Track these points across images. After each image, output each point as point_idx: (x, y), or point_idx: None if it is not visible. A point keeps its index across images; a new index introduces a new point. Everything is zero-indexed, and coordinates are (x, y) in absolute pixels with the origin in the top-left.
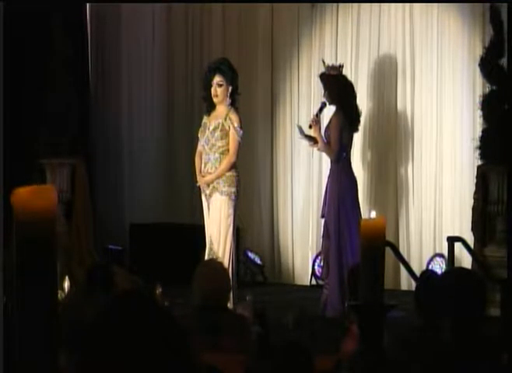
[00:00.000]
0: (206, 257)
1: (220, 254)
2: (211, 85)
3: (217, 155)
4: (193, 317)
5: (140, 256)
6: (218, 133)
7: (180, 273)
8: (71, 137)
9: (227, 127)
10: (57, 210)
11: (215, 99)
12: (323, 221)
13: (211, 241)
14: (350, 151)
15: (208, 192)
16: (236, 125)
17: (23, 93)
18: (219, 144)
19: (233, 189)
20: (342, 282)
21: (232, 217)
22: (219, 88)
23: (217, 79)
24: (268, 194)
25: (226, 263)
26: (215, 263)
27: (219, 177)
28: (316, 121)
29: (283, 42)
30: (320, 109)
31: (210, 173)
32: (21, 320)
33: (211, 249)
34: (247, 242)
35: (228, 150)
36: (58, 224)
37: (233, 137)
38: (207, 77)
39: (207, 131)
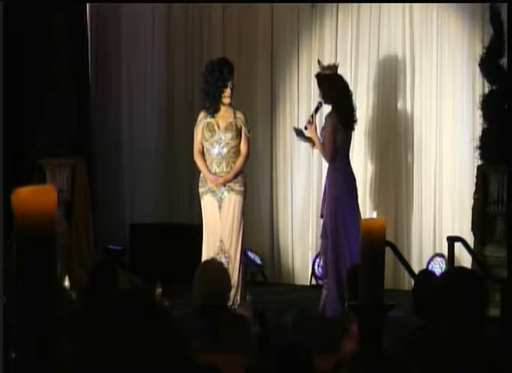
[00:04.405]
0: (216, 257)
1: (232, 253)
2: (225, 87)
3: (231, 153)
4: (193, 317)
5: (140, 256)
6: (232, 132)
7: (180, 273)
8: (71, 137)
9: (239, 126)
10: (57, 210)
11: (228, 100)
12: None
13: (221, 240)
14: (348, 151)
15: (221, 192)
16: (246, 123)
17: (23, 93)
18: (234, 143)
19: (245, 189)
20: (340, 282)
21: (243, 216)
22: (231, 90)
23: (231, 82)
24: (267, 194)
25: (237, 261)
26: (215, 263)
27: (236, 176)
28: (310, 122)
29: (283, 42)
30: (316, 110)
31: (227, 172)
32: (21, 320)
33: (221, 248)
34: (247, 242)
35: (239, 149)
36: (58, 224)
37: (245, 135)
38: (222, 80)
39: (217, 131)
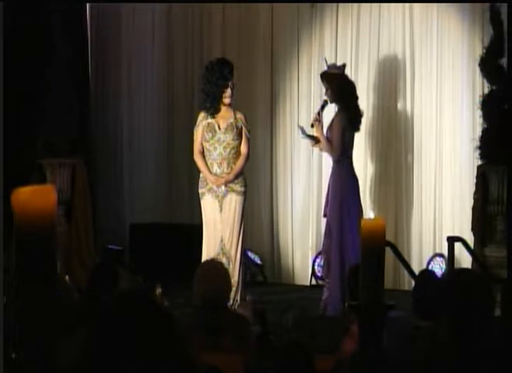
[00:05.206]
0: (216, 257)
1: (232, 253)
2: (226, 87)
3: (232, 154)
4: (193, 317)
5: (140, 256)
6: (232, 133)
7: (180, 273)
8: (71, 137)
9: (240, 126)
10: (57, 210)
11: (228, 100)
12: (324, 220)
13: (221, 240)
14: (352, 150)
15: (222, 192)
16: (246, 124)
17: (23, 93)
18: (234, 143)
19: (245, 189)
20: (343, 281)
21: (243, 216)
22: (232, 90)
23: (231, 82)
24: (267, 194)
25: (237, 261)
26: (215, 263)
27: (237, 176)
28: (318, 120)
29: (283, 42)
30: (322, 108)
31: (228, 173)
32: (21, 320)
33: (221, 248)
34: (247, 242)
35: (239, 149)
36: (58, 224)
37: (245, 136)
38: (223, 80)
39: (217, 131)
